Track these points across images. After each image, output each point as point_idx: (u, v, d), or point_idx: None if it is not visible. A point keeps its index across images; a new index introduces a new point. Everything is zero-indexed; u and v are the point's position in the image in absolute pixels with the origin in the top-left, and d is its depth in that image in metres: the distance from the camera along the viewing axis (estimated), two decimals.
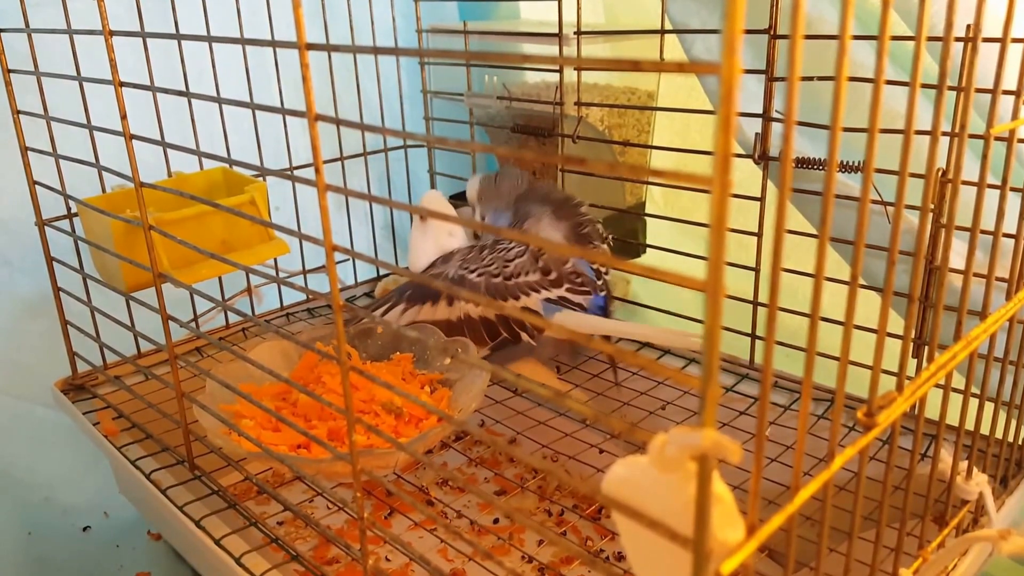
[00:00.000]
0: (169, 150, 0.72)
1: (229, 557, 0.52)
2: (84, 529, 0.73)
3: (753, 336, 0.74)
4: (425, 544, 0.56)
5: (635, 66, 0.20)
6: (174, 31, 0.76)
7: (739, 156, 0.70)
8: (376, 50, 0.29)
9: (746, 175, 0.78)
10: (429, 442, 0.61)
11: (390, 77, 0.94)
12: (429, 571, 0.53)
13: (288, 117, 0.85)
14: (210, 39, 0.39)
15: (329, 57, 0.86)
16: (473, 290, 0.69)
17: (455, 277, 0.72)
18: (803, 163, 0.67)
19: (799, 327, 0.61)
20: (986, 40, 0.40)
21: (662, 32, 0.76)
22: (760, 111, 0.68)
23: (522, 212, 0.77)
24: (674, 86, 0.96)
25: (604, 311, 0.72)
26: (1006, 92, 0.45)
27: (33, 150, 0.65)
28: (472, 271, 0.71)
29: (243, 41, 0.38)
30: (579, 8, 0.80)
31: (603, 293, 0.73)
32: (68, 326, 0.71)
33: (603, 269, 0.74)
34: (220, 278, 0.81)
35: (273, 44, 0.33)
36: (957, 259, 0.52)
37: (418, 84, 0.97)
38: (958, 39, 0.55)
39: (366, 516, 0.41)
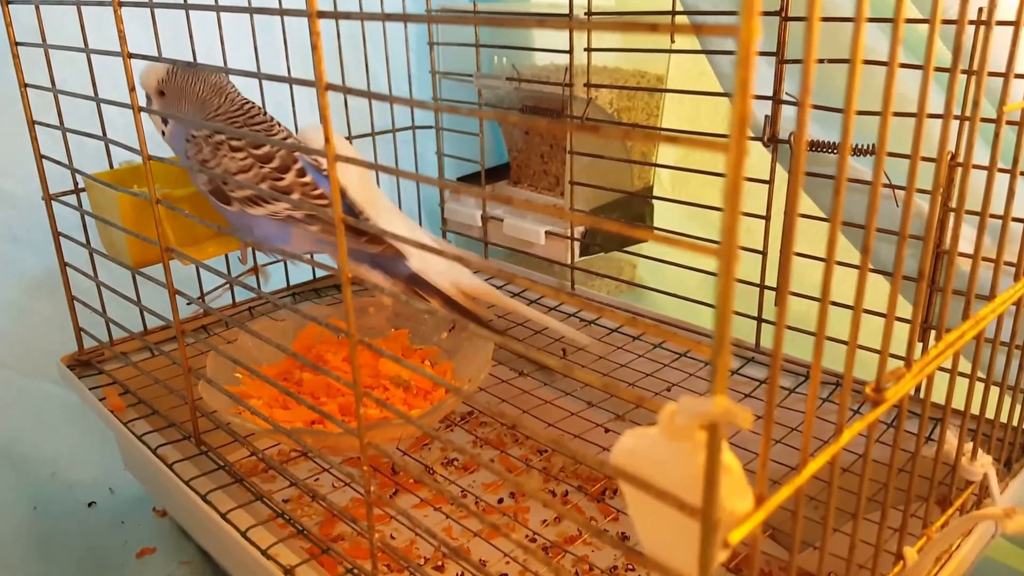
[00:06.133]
0: None
1: (235, 531, 0.52)
2: (89, 505, 0.74)
3: (759, 319, 0.74)
4: (430, 522, 0.56)
5: (652, 28, 0.19)
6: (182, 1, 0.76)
7: (748, 139, 0.70)
8: (386, 16, 0.29)
9: (755, 158, 0.77)
10: (441, 413, 0.61)
11: (399, 59, 0.94)
12: (435, 545, 0.53)
13: (297, 98, 0.85)
14: (218, 8, 0.38)
15: (338, 36, 0.85)
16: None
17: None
18: (814, 146, 0.67)
19: (806, 311, 0.61)
20: (999, 23, 0.39)
21: (673, 13, 0.76)
22: (770, 94, 0.68)
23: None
24: (683, 70, 0.96)
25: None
26: (1018, 76, 0.44)
27: (41, 124, 0.65)
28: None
29: (251, 10, 0.38)
30: None
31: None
32: (75, 302, 0.71)
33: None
34: (227, 257, 0.81)
35: (281, 12, 0.33)
36: (965, 244, 0.52)
37: (427, 65, 0.97)
38: (971, 22, 0.55)
39: (372, 490, 0.41)
